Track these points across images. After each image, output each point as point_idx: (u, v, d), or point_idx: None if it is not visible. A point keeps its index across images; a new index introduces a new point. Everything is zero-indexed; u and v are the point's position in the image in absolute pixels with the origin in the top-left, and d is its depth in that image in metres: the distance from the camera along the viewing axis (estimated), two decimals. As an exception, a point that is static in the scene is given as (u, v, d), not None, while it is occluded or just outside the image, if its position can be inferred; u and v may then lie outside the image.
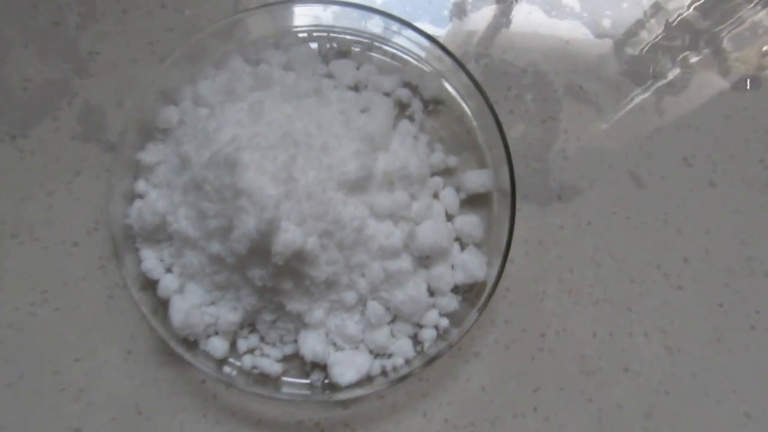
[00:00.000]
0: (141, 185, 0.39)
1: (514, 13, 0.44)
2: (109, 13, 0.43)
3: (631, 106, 0.43)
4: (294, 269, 0.35)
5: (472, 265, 0.39)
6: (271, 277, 0.35)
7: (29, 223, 0.41)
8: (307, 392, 0.38)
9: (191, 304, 0.37)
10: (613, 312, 0.41)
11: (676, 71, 0.43)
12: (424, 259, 0.39)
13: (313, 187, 0.35)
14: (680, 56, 0.43)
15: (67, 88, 0.42)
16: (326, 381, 0.38)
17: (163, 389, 0.39)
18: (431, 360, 0.37)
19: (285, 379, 0.39)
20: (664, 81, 0.43)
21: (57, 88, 0.42)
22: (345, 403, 0.39)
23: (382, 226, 0.38)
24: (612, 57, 0.44)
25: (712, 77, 0.43)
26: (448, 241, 0.38)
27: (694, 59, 0.43)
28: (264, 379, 0.39)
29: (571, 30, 0.44)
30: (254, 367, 0.39)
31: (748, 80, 0.43)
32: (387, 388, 0.39)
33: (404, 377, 0.37)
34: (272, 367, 0.38)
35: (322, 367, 0.38)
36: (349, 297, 0.38)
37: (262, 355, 0.39)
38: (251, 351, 0.39)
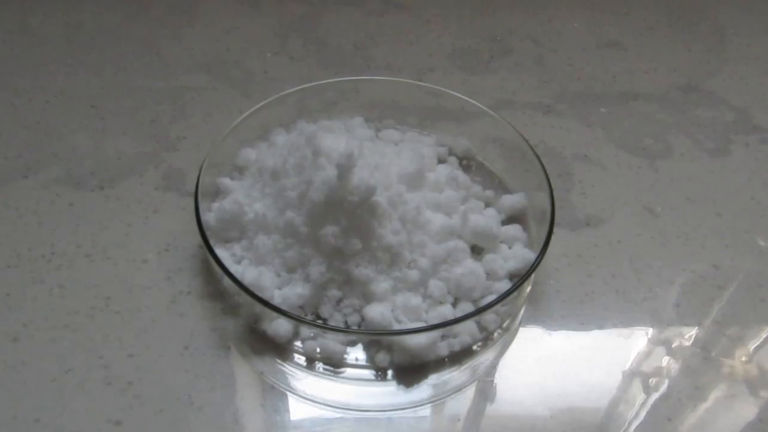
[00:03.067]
0: (217, 203, 0.44)
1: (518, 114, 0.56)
2: (196, 115, 0.53)
3: (628, 167, 0.52)
4: (364, 226, 0.38)
5: (522, 252, 0.42)
6: (342, 234, 0.38)
7: (103, 246, 0.43)
8: (373, 375, 0.37)
9: (263, 278, 0.38)
10: (659, 307, 0.42)
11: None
12: (478, 252, 0.42)
13: (379, 167, 0.41)
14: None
15: (156, 158, 0.50)
16: (391, 360, 0.37)
17: (218, 381, 0.37)
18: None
19: (349, 360, 0.38)
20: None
21: (147, 157, 0.50)
22: (409, 383, 0.37)
23: (438, 215, 0.42)
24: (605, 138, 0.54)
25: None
26: (497, 229, 0.42)
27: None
28: (328, 360, 0.37)
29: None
30: (318, 351, 0.38)
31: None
32: (454, 367, 0.38)
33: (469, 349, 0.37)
34: (336, 347, 0.37)
35: (386, 349, 0.38)
36: (412, 275, 0.39)
37: (325, 339, 0.38)
38: (314, 338, 0.38)
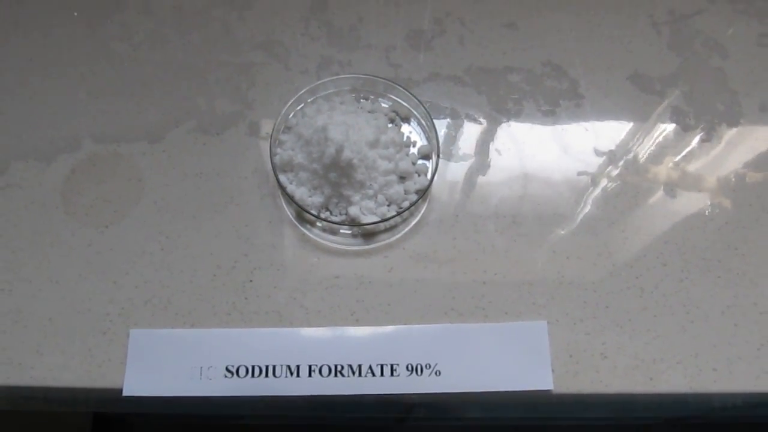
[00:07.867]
0: (279, 150, 0.89)
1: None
2: (260, 83, 0.96)
3: (494, 123, 0.95)
4: (348, 172, 0.84)
5: (424, 181, 0.88)
6: (338, 176, 0.84)
7: (225, 168, 0.90)
8: (349, 232, 0.87)
9: (303, 193, 0.86)
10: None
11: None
12: (403, 179, 0.89)
13: (356, 141, 0.85)
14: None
15: (242, 114, 0.94)
16: (359, 231, 0.86)
17: (283, 231, 0.86)
18: (407, 208, 0.85)
19: (341, 230, 0.87)
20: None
21: (237, 114, 0.94)
22: (366, 239, 0.87)
23: (384, 162, 0.88)
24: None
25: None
26: (412, 168, 0.88)
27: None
28: (330, 228, 0.87)
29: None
30: (326, 222, 0.87)
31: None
32: (389, 221, 0.87)
33: (394, 217, 0.85)
34: (334, 220, 0.86)
35: (357, 225, 0.86)
36: (370, 192, 0.86)
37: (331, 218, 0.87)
38: (326, 219, 0.87)
